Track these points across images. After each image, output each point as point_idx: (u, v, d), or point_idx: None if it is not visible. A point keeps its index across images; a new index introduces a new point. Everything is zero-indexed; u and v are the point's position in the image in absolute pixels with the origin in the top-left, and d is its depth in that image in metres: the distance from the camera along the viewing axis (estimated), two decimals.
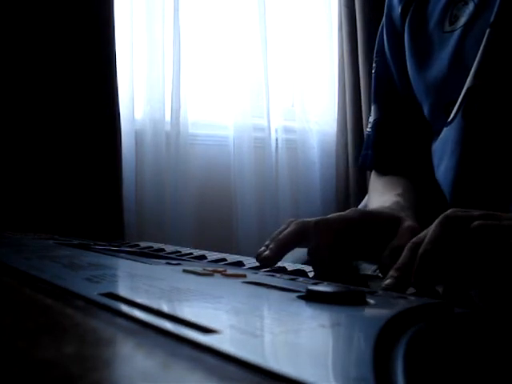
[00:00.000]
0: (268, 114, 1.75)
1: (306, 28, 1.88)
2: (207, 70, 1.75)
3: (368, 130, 0.86)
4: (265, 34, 1.76)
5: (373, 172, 0.86)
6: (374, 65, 0.86)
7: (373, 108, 0.85)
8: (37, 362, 0.14)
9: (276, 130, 1.78)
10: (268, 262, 0.50)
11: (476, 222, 0.36)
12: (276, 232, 0.55)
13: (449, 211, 0.40)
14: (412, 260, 0.39)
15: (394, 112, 0.81)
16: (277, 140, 1.78)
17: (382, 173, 0.83)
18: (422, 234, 0.41)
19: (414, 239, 0.41)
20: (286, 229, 0.54)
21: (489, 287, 0.35)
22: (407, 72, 0.75)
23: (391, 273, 0.40)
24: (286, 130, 1.81)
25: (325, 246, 0.51)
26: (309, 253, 0.52)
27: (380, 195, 0.74)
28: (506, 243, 0.35)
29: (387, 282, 0.39)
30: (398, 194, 0.68)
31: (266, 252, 0.50)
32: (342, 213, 0.55)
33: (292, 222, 0.55)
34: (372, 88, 0.87)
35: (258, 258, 0.51)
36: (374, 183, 0.82)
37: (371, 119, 0.84)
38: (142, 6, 1.60)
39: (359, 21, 1.85)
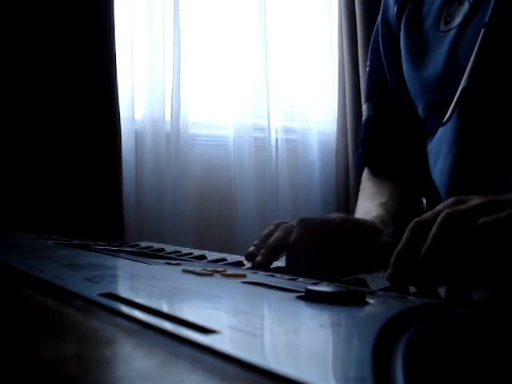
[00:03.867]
0: (268, 114, 1.75)
1: (306, 28, 1.88)
2: (207, 70, 1.75)
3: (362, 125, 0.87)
4: (265, 34, 1.76)
5: (365, 171, 0.86)
6: (368, 63, 0.86)
7: (365, 106, 0.85)
8: (37, 361, 0.14)
9: (276, 130, 1.78)
10: (260, 268, 0.51)
11: (481, 220, 0.36)
12: (264, 233, 0.57)
13: (448, 206, 0.39)
14: (413, 244, 0.38)
15: (386, 111, 0.82)
16: (277, 140, 1.78)
17: (372, 169, 0.83)
18: (425, 216, 0.40)
19: (416, 219, 0.40)
20: (273, 230, 0.56)
21: (497, 287, 0.35)
22: (400, 72, 0.75)
23: (392, 260, 0.39)
24: (286, 130, 1.81)
25: (303, 241, 0.53)
26: (287, 247, 0.53)
27: (366, 201, 0.77)
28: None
29: (388, 271, 0.39)
30: (382, 204, 0.71)
31: (259, 258, 0.53)
32: (326, 215, 0.58)
33: (278, 223, 0.58)
34: (366, 86, 0.87)
35: (250, 259, 0.53)
36: (365, 185, 0.84)
37: (364, 117, 0.85)
38: (142, 6, 1.59)
39: (359, 21, 1.85)
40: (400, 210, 0.72)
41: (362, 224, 0.60)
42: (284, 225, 0.57)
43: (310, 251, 0.53)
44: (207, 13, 1.75)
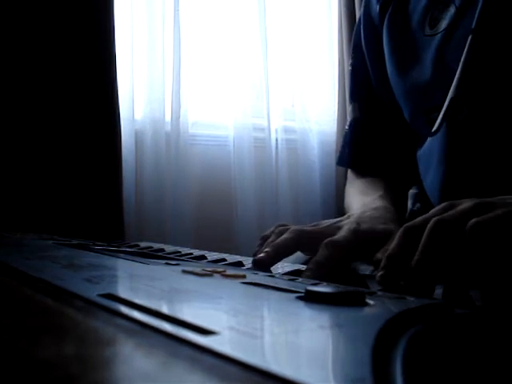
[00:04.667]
0: (268, 114, 1.75)
1: (306, 28, 1.88)
2: (207, 71, 1.75)
3: (346, 128, 0.85)
4: (265, 34, 1.76)
5: (349, 174, 0.85)
6: (350, 61, 0.83)
7: (351, 107, 0.83)
8: (37, 361, 0.14)
9: (276, 130, 1.78)
10: (263, 266, 0.49)
11: (472, 221, 0.35)
12: (267, 232, 0.56)
13: (439, 211, 0.39)
14: (403, 248, 0.38)
15: (373, 112, 0.80)
16: (277, 140, 1.78)
17: (358, 171, 0.82)
18: (415, 221, 0.40)
19: (406, 224, 0.40)
20: (276, 233, 0.54)
21: (490, 287, 0.35)
22: (383, 68, 0.73)
23: (382, 263, 0.39)
24: (286, 130, 1.81)
25: (328, 266, 0.49)
26: (311, 264, 0.51)
27: (361, 195, 0.73)
28: (505, 239, 0.34)
29: (379, 274, 0.39)
30: (381, 196, 0.67)
31: (262, 255, 0.50)
32: (344, 233, 0.53)
33: (280, 226, 0.55)
34: (349, 86, 0.85)
35: (254, 259, 0.51)
36: (353, 184, 0.81)
37: (349, 118, 0.84)
38: (142, 6, 1.60)
39: None
40: (396, 202, 0.70)
41: (376, 232, 0.55)
42: (292, 228, 0.54)
43: (332, 271, 0.49)
44: (207, 13, 1.75)
